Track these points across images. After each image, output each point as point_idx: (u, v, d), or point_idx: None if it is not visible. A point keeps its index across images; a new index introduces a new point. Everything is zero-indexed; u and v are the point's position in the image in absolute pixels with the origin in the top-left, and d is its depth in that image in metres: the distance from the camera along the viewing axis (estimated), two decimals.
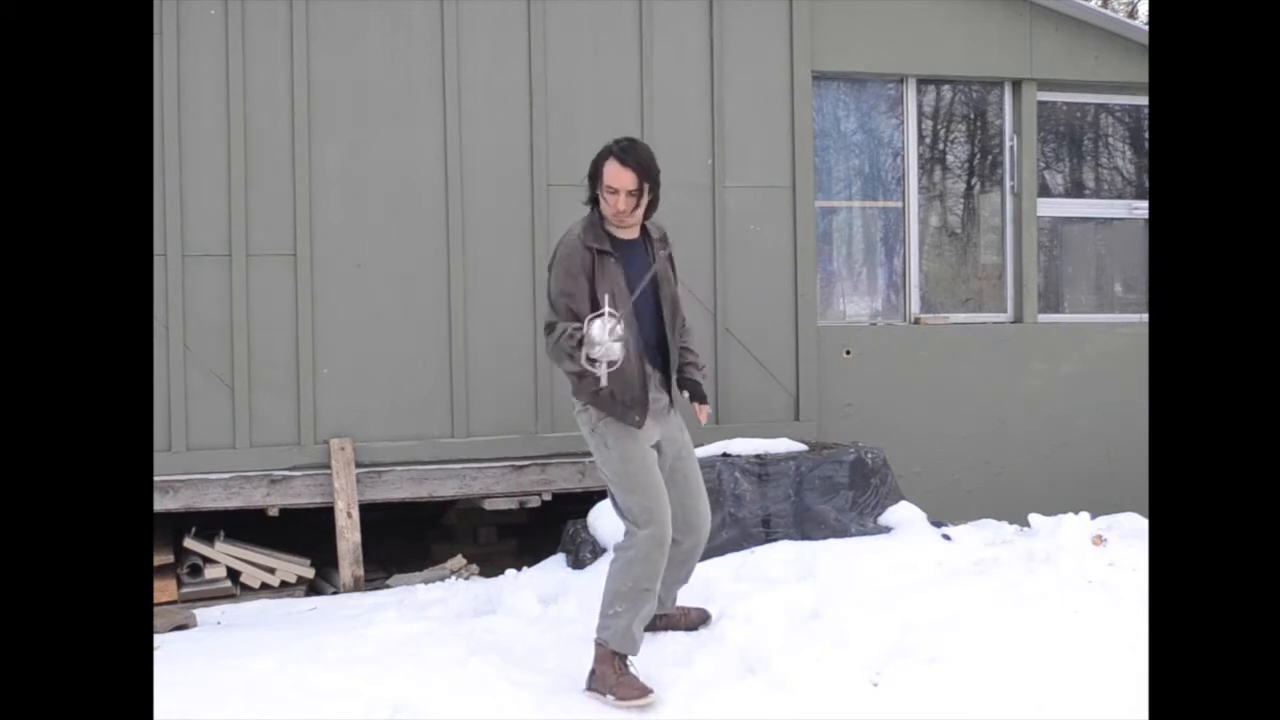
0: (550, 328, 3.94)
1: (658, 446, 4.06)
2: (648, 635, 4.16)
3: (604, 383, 3.71)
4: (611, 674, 3.83)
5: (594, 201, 4.00)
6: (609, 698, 3.80)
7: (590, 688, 3.87)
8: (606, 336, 3.67)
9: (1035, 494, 6.66)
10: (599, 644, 3.90)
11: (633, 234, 4.04)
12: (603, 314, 3.69)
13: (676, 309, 4.16)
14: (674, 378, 4.14)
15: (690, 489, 4.17)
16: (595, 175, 3.95)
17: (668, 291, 4.10)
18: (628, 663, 3.87)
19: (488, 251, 5.99)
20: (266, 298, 5.76)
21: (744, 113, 6.37)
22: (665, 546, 3.93)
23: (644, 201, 3.95)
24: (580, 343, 3.71)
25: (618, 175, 3.88)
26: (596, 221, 3.98)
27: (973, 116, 7.27)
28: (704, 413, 4.30)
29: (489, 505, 5.94)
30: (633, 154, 3.90)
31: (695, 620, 4.44)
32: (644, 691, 3.78)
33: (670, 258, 4.14)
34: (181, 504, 5.56)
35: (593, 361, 3.68)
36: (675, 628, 4.39)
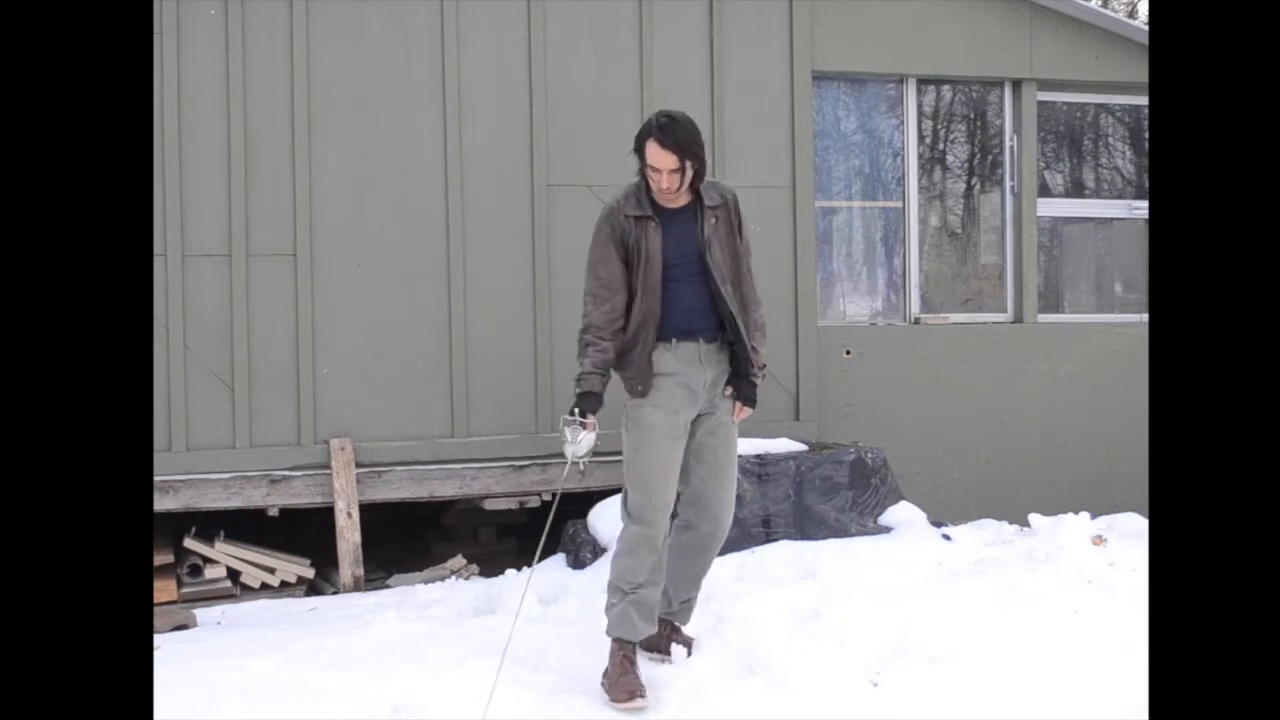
0: (582, 327, 3.97)
1: (694, 421, 3.98)
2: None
3: (564, 477, 4.36)
4: (615, 670, 3.83)
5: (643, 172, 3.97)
6: (606, 696, 3.80)
7: (601, 682, 3.88)
8: (573, 441, 3.83)
9: (1035, 494, 6.66)
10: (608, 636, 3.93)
11: (680, 202, 3.97)
12: (575, 422, 3.82)
13: (738, 278, 4.01)
14: (732, 348, 3.99)
15: (716, 471, 4.05)
16: (639, 153, 3.90)
17: (719, 257, 3.95)
18: (633, 657, 3.84)
19: (488, 251, 5.99)
20: (266, 298, 5.76)
21: (744, 113, 6.37)
22: (652, 547, 3.86)
23: (688, 177, 3.88)
24: (582, 374, 3.88)
25: (658, 156, 3.82)
26: (642, 188, 3.95)
27: (973, 116, 7.28)
28: (742, 413, 4.11)
29: (489, 505, 5.94)
30: (672, 134, 3.81)
31: (664, 645, 4.16)
32: (630, 695, 3.75)
33: (735, 223, 4.02)
34: (181, 504, 5.56)
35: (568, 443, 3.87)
36: (652, 649, 4.15)
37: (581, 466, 4.06)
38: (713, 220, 3.97)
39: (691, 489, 4.05)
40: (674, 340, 3.93)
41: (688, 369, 3.94)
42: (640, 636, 3.90)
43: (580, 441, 3.83)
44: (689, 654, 4.12)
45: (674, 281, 3.92)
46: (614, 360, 3.93)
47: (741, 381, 4.05)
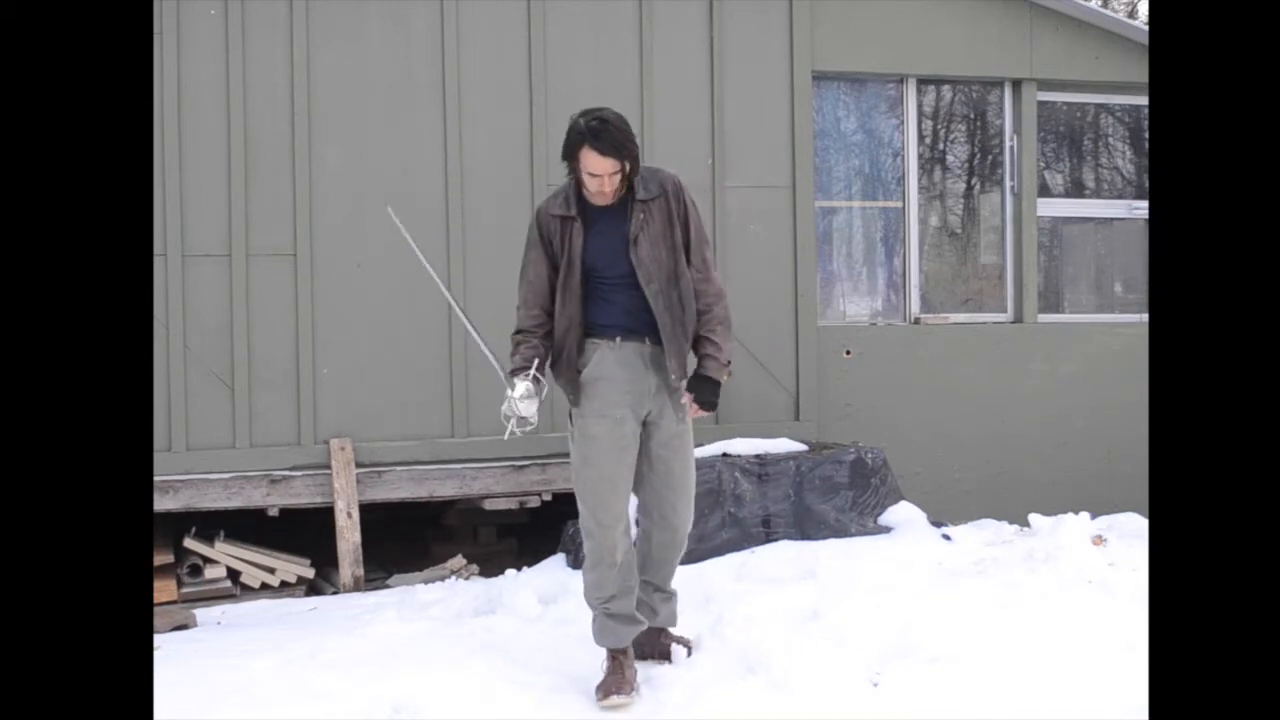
0: (517, 316, 3.90)
1: (645, 425, 3.80)
2: None
3: (506, 436, 3.82)
4: (603, 672, 3.83)
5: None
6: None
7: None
8: (514, 395, 3.73)
9: (1035, 494, 6.66)
10: None
11: (613, 198, 3.74)
12: (523, 371, 3.74)
13: (675, 274, 3.75)
14: (675, 352, 3.75)
15: (670, 481, 3.86)
16: (571, 159, 3.69)
17: (645, 254, 3.71)
18: (621, 659, 3.83)
19: (487, 251, 5.98)
20: (266, 298, 5.76)
21: (744, 113, 6.37)
22: (611, 561, 3.76)
23: (626, 174, 3.68)
24: (514, 371, 3.80)
25: (597, 163, 3.63)
26: (572, 187, 3.76)
27: (973, 116, 7.27)
28: (696, 412, 3.86)
29: (489, 505, 5.94)
30: (608, 138, 3.62)
31: (664, 650, 4.08)
32: (606, 693, 3.72)
33: (677, 212, 3.77)
34: (181, 504, 5.56)
35: (504, 416, 3.77)
36: (647, 656, 4.04)
37: (519, 417, 3.76)
38: (641, 215, 3.73)
39: (646, 501, 3.91)
40: (618, 339, 3.78)
41: (630, 372, 3.77)
42: (625, 643, 3.85)
43: (518, 390, 3.74)
44: (689, 654, 4.10)
45: (604, 283, 3.75)
46: (546, 356, 3.84)
47: (697, 381, 3.83)
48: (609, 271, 3.76)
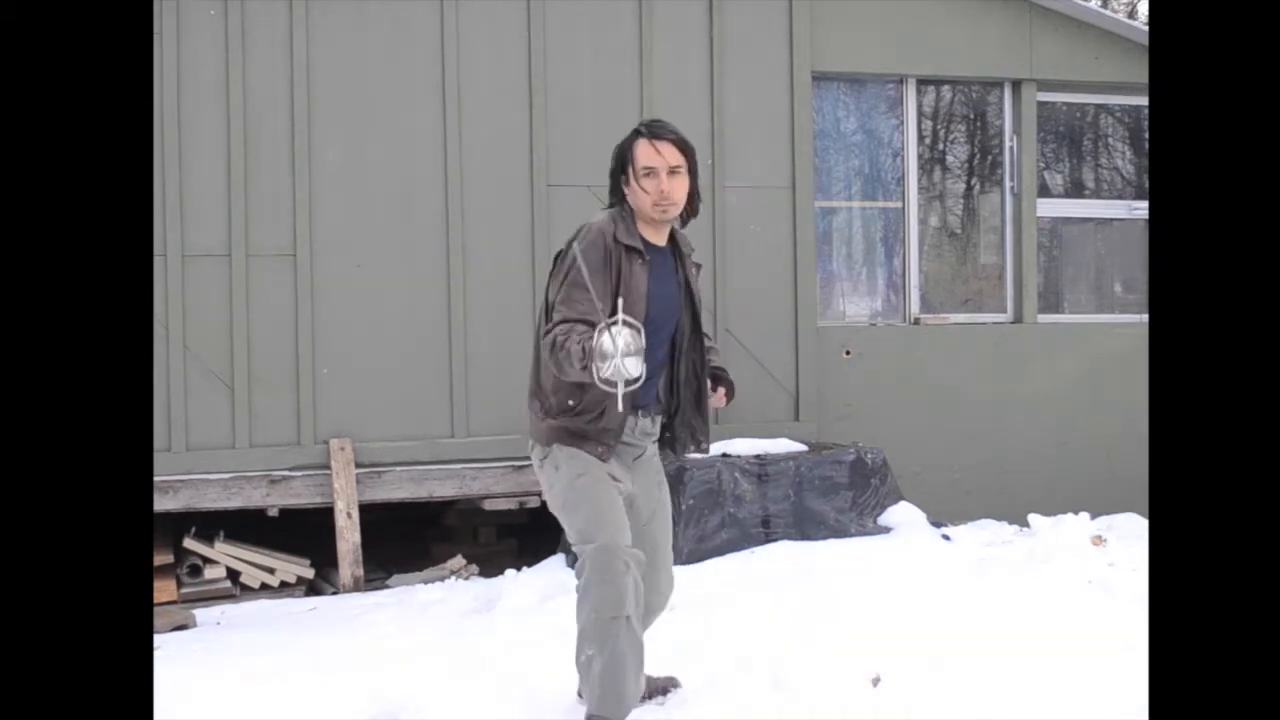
0: (548, 334, 3.15)
1: (629, 500, 3.33)
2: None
3: (620, 406, 2.96)
4: None
5: (621, 200, 3.31)
6: None
7: None
8: (618, 350, 2.86)
9: (1035, 494, 6.67)
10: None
11: (663, 238, 3.33)
12: (614, 321, 2.90)
13: (696, 339, 3.39)
14: (676, 420, 3.40)
15: (657, 553, 3.42)
16: (623, 164, 3.27)
17: (690, 316, 3.37)
18: None
19: (487, 251, 5.99)
20: (266, 298, 5.76)
21: (744, 113, 6.37)
22: (619, 560, 3.11)
23: (688, 187, 3.26)
24: (586, 353, 2.92)
25: (655, 153, 3.20)
26: (628, 215, 3.28)
27: (973, 116, 7.28)
28: (722, 397, 3.47)
29: (489, 505, 5.94)
30: (666, 126, 3.26)
31: (659, 687, 3.68)
32: None
33: (697, 277, 3.44)
34: (181, 504, 5.56)
35: (607, 383, 2.88)
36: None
37: (627, 379, 2.88)
38: (694, 270, 3.41)
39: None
40: (651, 416, 3.38)
41: (631, 437, 3.34)
42: (627, 711, 3.20)
43: (619, 343, 2.86)
44: (677, 688, 3.75)
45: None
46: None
47: (717, 372, 3.50)
48: (659, 325, 3.26)
